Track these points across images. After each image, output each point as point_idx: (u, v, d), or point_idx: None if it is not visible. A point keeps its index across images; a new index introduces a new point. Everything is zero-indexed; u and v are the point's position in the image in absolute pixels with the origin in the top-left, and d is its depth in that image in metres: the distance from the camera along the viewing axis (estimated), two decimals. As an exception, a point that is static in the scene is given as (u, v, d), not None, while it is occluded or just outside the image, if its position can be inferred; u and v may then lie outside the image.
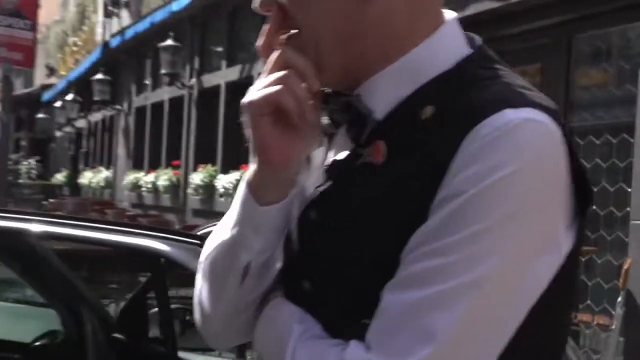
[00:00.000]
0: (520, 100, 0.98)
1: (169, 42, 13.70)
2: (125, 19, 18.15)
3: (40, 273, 3.20)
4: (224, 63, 13.03)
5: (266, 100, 1.01)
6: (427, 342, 0.93)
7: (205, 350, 3.37)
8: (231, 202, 1.11)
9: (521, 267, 0.96)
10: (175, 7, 13.75)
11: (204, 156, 13.35)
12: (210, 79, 13.49)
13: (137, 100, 17.87)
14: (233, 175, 12.00)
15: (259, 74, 1.07)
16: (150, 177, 15.89)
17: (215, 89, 12.97)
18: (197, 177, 13.53)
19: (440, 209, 0.95)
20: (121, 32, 17.59)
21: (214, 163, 13.06)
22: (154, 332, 3.05)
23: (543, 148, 0.96)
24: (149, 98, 17.03)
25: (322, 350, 1.00)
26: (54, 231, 2.62)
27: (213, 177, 13.02)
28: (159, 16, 14.72)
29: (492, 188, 0.94)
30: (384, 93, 1.04)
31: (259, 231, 1.07)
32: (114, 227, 2.64)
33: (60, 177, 24.47)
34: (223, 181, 12.44)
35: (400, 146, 1.01)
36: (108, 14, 19.39)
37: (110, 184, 19.51)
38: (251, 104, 1.02)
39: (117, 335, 3.00)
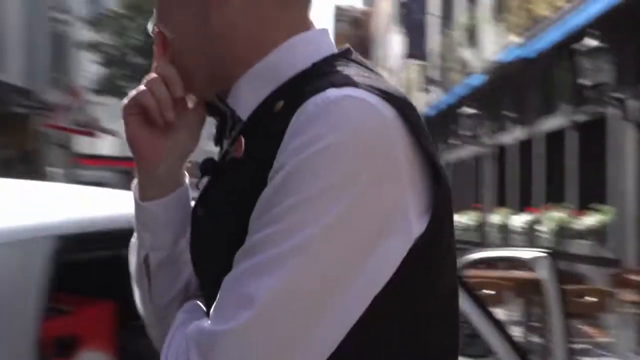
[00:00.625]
0: (346, 82, 0.99)
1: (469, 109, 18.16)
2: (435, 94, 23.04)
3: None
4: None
5: (133, 100, 1.11)
6: (248, 306, 0.93)
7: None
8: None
9: (350, 243, 0.94)
10: (474, 82, 17.53)
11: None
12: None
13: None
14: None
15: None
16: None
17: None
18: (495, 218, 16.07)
19: (270, 182, 0.97)
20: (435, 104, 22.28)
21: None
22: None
23: (362, 123, 0.95)
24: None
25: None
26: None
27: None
28: (460, 90, 18.76)
29: (308, 160, 0.94)
30: (247, 95, 1.08)
31: (147, 227, 1.14)
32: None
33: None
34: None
35: (257, 139, 1.04)
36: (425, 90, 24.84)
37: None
38: (123, 105, 1.12)
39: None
